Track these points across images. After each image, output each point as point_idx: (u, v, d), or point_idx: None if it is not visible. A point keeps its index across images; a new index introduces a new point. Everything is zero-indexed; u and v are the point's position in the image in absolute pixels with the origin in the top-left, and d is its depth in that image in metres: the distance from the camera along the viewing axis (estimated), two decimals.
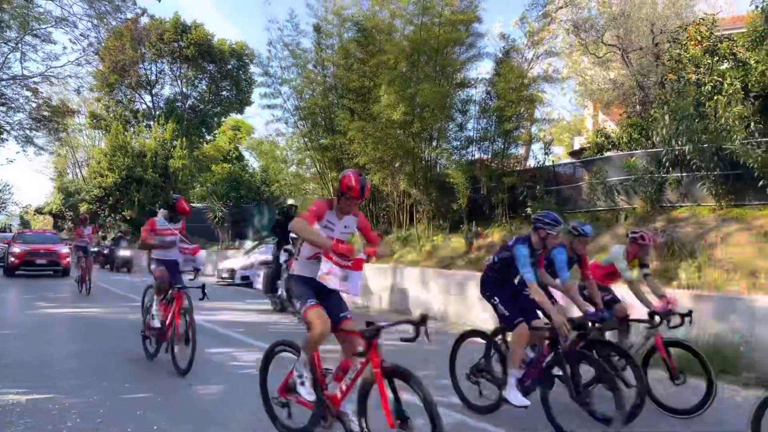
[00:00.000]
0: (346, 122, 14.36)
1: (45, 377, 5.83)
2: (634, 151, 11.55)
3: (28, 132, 24.54)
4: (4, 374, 5.88)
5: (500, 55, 13.75)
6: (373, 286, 13.09)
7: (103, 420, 4.53)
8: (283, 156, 19.46)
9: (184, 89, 37.82)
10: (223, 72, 37.64)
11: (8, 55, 18.27)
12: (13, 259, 18.44)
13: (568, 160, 18.85)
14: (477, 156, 14.04)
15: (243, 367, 6.56)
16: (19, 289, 14.80)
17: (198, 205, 30.71)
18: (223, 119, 41.70)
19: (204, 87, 38.60)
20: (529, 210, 11.98)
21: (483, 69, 21.24)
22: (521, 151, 15.56)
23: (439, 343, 8.54)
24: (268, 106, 17.26)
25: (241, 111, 40.44)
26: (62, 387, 5.45)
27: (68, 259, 18.92)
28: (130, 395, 5.28)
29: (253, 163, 37.08)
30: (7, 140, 24.22)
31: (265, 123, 59.68)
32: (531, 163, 15.24)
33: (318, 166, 17.24)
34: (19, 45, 17.43)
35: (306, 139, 17.09)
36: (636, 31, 13.98)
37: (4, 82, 19.98)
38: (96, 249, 26.85)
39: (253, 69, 36.09)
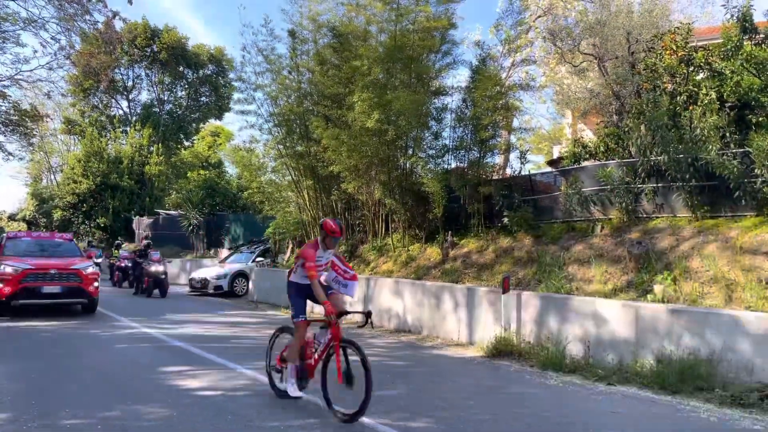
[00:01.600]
0: (321, 129, 14.05)
1: None
2: (609, 161, 11.41)
3: None
4: None
5: (476, 63, 13.58)
6: (347, 297, 12.75)
7: None
8: (258, 163, 19.07)
9: (161, 95, 37.26)
10: (201, 77, 37.19)
11: None
12: (0, 285, 11.06)
13: (547, 169, 18.75)
14: (453, 165, 13.82)
15: (200, 388, 6.20)
16: None
17: (173, 212, 30.15)
18: (201, 125, 41.19)
19: (182, 92, 38.10)
20: (505, 220, 11.77)
21: (459, 77, 21.16)
22: (498, 160, 15.39)
23: (412, 358, 8.30)
24: (242, 112, 16.89)
25: (219, 117, 39.98)
26: None
27: (96, 285, 12.16)
28: (67, 422, 4.89)
29: (231, 169, 36.59)
30: None
31: (238, 129, 58.96)
32: (509, 172, 15.07)
33: (293, 174, 16.89)
34: None
35: (281, 146, 16.74)
36: (612, 40, 13.88)
37: None
38: (107, 262, 22.84)
39: (232, 75, 35.71)
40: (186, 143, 40.13)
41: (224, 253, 23.66)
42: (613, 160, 11.82)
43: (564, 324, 8.23)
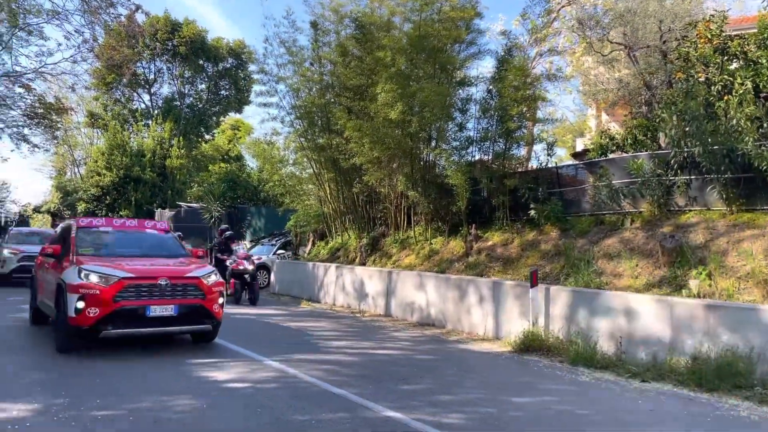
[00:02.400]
0: (343, 121, 13.95)
1: (13, 391, 5.41)
2: (639, 153, 11.14)
3: (22, 129, 24.13)
4: None
5: (502, 53, 13.34)
6: (369, 289, 12.70)
7: None
8: (279, 156, 19.05)
9: (182, 88, 37.46)
10: (221, 71, 37.31)
11: (1, 52, 17.83)
12: (81, 305, 6.89)
13: (571, 161, 18.45)
14: (477, 157, 13.63)
15: (228, 381, 6.15)
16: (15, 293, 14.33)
17: (194, 205, 30.34)
18: (222, 118, 41.35)
19: (202, 86, 38.27)
20: (532, 213, 11.57)
21: (484, 68, 20.91)
22: (523, 152, 15.14)
23: (438, 352, 8.19)
24: (264, 105, 16.87)
25: (239, 110, 40.11)
26: (26, 403, 5.04)
27: (222, 301, 8.00)
28: (98, 413, 4.86)
29: (251, 162, 36.71)
30: (0, 138, 23.83)
31: (260, 121, 58.94)
32: (533, 164, 14.84)
33: (314, 167, 16.83)
34: (11, 41, 17.01)
35: (302, 139, 16.69)
36: (643, 29, 13.55)
37: None
38: None
39: (254, 67, 35.80)
40: (207, 136, 40.35)
41: (245, 245, 23.74)
42: (642, 151, 11.55)
43: (594, 319, 8.04)
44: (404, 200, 14.45)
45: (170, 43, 34.38)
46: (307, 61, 16.04)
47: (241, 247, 14.98)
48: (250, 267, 13.45)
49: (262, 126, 65.27)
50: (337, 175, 16.11)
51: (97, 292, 6.85)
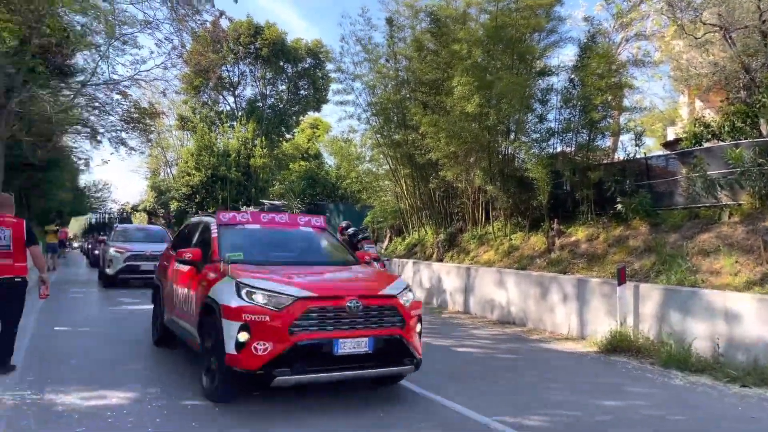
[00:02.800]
0: (419, 116, 13.89)
1: (109, 379, 5.80)
2: (738, 141, 10.30)
3: (120, 133, 25.81)
4: (71, 375, 5.92)
5: (584, 40, 12.75)
6: (447, 286, 12.59)
7: (156, 430, 4.35)
8: (356, 153, 19.28)
9: (263, 89, 38.77)
10: (300, 71, 38.29)
11: (99, 62, 19.15)
12: (245, 337, 4.79)
13: (662, 151, 17.41)
14: (559, 149, 13.12)
15: None
16: (108, 288, 15.36)
17: (277, 202, 31.34)
18: (301, 118, 42.45)
19: (283, 86, 39.44)
20: (618, 206, 11.00)
21: (565, 56, 20.14)
22: (609, 143, 14.44)
23: (519, 351, 7.98)
24: (341, 103, 17.12)
25: (318, 109, 40.99)
26: (123, 390, 5.38)
27: (420, 328, 5.62)
28: (190, 402, 5.11)
29: (329, 160, 37.46)
30: (101, 142, 25.61)
31: (337, 120, 60.04)
32: (619, 155, 14.12)
33: (390, 163, 16.89)
34: (108, 51, 18.22)
35: (378, 136, 16.79)
36: (740, 8, 12.52)
37: (96, 87, 21.02)
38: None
39: (330, 66, 36.50)
40: (287, 136, 41.56)
41: (380, 247, 24.29)
42: (741, 139, 10.69)
43: (688, 319, 7.53)
44: (482, 195, 14.19)
45: (252, 47, 35.66)
46: (383, 58, 16.12)
47: (374, 249, 12.20)
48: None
49: (340, 124, 66.48)
50: (413, 171, 16.08)
51: (267, 318, 4.75)
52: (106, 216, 52.13)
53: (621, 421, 5.04)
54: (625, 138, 13.80)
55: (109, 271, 14.52)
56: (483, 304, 11.36)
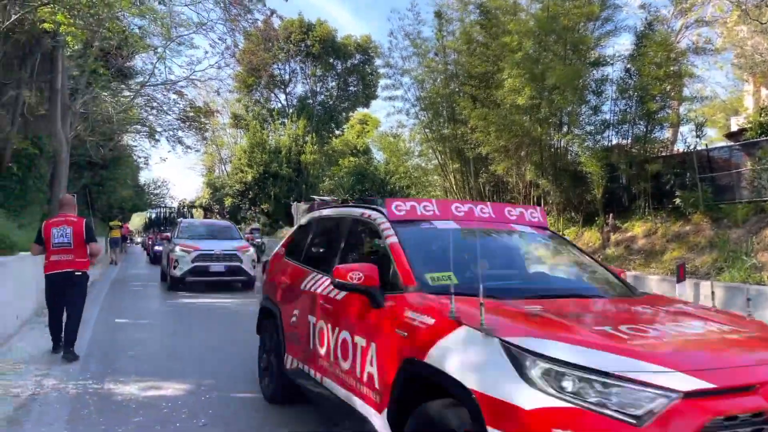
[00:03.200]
0: (468, 110, 13.72)
1: (166, 371, 5.99)
2: None
3: (177, 132, 26.72)
4: (130, 366, 6.16)
5: (641, 28, 12.27)
6: None
7: (208, 422, 4.46)
8: (405, 148, 19.25)
9: (313, 86, 39.25)
10: (349, 67, 38.55)
11: (156, 63, 19.86)
12: None
13: (725, 143, 16.59)
14: (614, 141, 12.69)
15: None
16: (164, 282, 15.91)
17: (327, 198, 31.68)
18: (350, 114, 42.76)
19: (332, 83, 39.82)
20: (677, 200, 10.56)
21: (620, 45, 19.43)
22: (667, 134, 13.87)
23: None
24: (390, 98, 17.12)
25: (367, 105, 41.17)
26: (179, 382, 5.55)
27: None
28: (242, 394, 5.22)
29: (378, 156, 37.59)
30: (159, 141, 26.59)
31: (386, 115, 60.37)
32: (678, 147, 13.52)
33: (439, 158, 16.77)
34: (165, 52, 18.86)
35: (427, 130, 16.69)
36: None
37: (153, 87, 21.83)
38: None
39: (379, 61, 36.61)
40: (337, 132, 41.95)
41: None
42: None
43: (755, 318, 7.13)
44: (533, 189, 13.90)
45: (303, 44, 36.15)
46: (431, 52, 16.01)
47: None
48: None
49: (389, 119, 66.54)
50: (462, 166, 15.92)
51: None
52: (167, 211, 53.79)
53: None
54: (685, 129, 13.23)
55: (175, 272, 12.77)
56: None
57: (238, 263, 13.08)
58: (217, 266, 12.83)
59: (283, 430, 4.36)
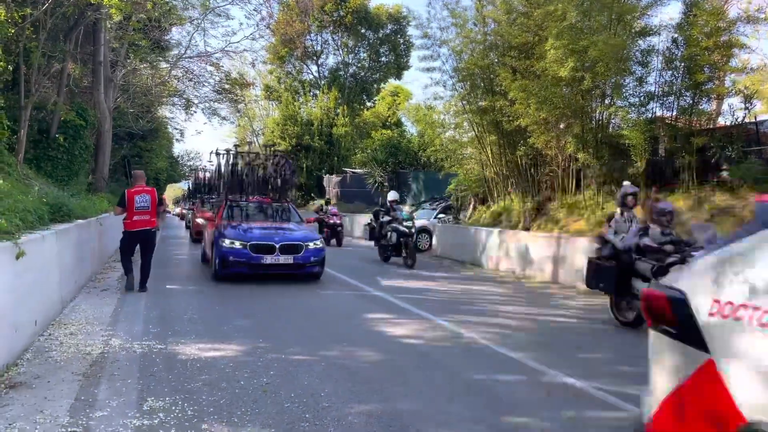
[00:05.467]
0: (508, 82, 13.55)
1: (221, 334, 6.26)
2: None
3: (212, 104, 27.04)
4: (188, 328, 6.44)
5: None
6: (535, 255, 12.41)
7: (270, 381, 4.68)
8: (440, 121, 19.13)
9: (346, 58, 39.08)
10: (381, 38, 38.22)
11: (193, 35, 20.04)
12: None
13: None
14: (658, 113, 12.42)
15: (404, 336, 6.48)
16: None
17: (359, 171, 31.82)
18: (382, 85, 42.53)
19: (364, 54, 39.58)
20: (724, 174, 10.37)
21: (667, 14, 18.81)
22: (713, 106, 13.50)
23: (614, 322, 7.78)
24: (427, 69, 16.97)
25: (398, 76, 40.87)
26: (236, 344, 5.80)
27: None
28: (297, 357, 5.43)
29: (410, 128, 37.41)
30: (195, 112, 26.99)
31: (423, 87, 59.94)
32: (724, 120, 13.17)
33: (476, 130, 16.65)
34: (202, 23, 19.01)
35: (464, 102, 16.56)
36: None
37: (190, 60, 22.07)
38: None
39: (411, 32, 36.15)
40: (368, 104, 41.83)
41: (407, 209, 24.44)
42: None
43: None
44: (573, 163, 13.75)
45: (337, 14, 35.93)
46: (470, 22, 15.77)
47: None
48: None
49: (423, 91, 65.88)
50: (499, 138, 15.80)
51: None
52: (215, 174, 53.32)
53: None
54: (732, 102, 12.85)
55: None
56: (574, 275, 11.13)
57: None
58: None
59: (342, 390, 4.54)
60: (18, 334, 5.04)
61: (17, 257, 4.93)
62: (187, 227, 26.87)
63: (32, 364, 4.91)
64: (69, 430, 3.60)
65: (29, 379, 4.53)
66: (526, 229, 14.17)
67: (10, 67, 11.87)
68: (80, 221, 8.68)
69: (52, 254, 6.50)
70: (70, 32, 14.70)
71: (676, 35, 11.78)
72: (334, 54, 39.88)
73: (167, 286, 9.47)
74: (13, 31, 10.68)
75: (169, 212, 44.63)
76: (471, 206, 18.93)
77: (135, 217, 8.60)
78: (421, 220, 20.43)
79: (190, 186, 37.88)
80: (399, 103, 45.27)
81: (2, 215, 5.26)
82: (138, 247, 8.92)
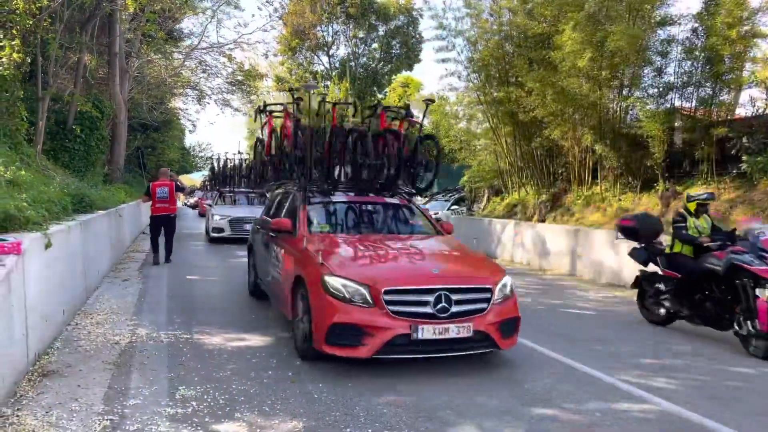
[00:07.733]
0: (524, 72, 13.46)
1: (245, 324, 6.31)
2: None
3: (225, 95, 27.09)
4: (212, 318, 6.50)
5: None
6: (551, 247, 12.38)
7: (297, 372, 4.72)
8: (453, 112, 19.05)
9: (356, 49, 38.94)
10: (392, 30, 38.05)
11: (206, 25, 20.07)
12: None
13: None
14: (677, 104, 12.29)
15: None
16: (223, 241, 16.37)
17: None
18: (393, 77, 42.36)
19: (374, 45, 39.42)
20: (744, 166, 10.26)
21: (686, 4, 18.54)
22: (731, 96, 13.33)
23: (634, 315, 7.74)
24: (443, 60, 16.85)
25: (410, 68, 40.68)
26: (260, 335, 5.84)
27: None
28: None
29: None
30: (209, 103, 27.07)
31: (438, 78, 59.74)
32: (742, 112, 13.01)
33: (491, 121, 16.57)
34: (215, 14, 19.01)
35: (478, 93, 16.46)
36: None
37: (204, 50, 22.10)
38: None
39: (424, 24, 35.99)
40: (379, 95, 41.69)
41: (419, 201, 24.42)
42: None
43: None
44: (589, 154, 13.66)
45: (342, 6, 35.71)
46: (485, 12, 15.64)
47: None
48: None
49: (434, 82, 65.53)
50: (514, 129, 15.71)
51: None
52: (237, 162, 53.50)
53: (755, 388, 4.84)
54: (754, 92, 12.67)
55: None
56: (591, 267, 11.10)
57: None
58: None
59: (364, 381, 4.57)
60: (47, 323, 5.11)
61: (46, 247, 4.99)
62: (201, 215, 26.79)
63: (62, 353, 4.98)
64: (105, 418, 3.66)
65: (61, 367, 4.60)
66: (541, 220, 14.12)
67: (29, 59, 11.91)
68: (101, 212, 8.75)
69: (77, 244, 6.58)
70: (87, 23, 14.72)
71: (696, 25, 11.62)
72: (345, 45, 39.74)
73: (187, 277, 9.54)
74: (31, 22, 10.72)
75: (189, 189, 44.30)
76: (485, 198, 18.88)
77: (157, 205, 10.71)
78: (434, 211, 20.45)
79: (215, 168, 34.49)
80: (409, 94, 45.13)
81: (30, 207, 5.32)
82: (162, 230, 10.92)
